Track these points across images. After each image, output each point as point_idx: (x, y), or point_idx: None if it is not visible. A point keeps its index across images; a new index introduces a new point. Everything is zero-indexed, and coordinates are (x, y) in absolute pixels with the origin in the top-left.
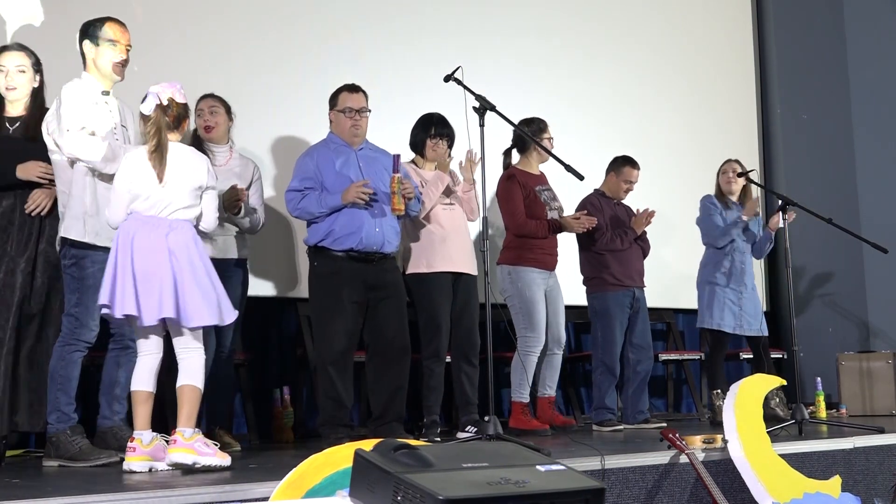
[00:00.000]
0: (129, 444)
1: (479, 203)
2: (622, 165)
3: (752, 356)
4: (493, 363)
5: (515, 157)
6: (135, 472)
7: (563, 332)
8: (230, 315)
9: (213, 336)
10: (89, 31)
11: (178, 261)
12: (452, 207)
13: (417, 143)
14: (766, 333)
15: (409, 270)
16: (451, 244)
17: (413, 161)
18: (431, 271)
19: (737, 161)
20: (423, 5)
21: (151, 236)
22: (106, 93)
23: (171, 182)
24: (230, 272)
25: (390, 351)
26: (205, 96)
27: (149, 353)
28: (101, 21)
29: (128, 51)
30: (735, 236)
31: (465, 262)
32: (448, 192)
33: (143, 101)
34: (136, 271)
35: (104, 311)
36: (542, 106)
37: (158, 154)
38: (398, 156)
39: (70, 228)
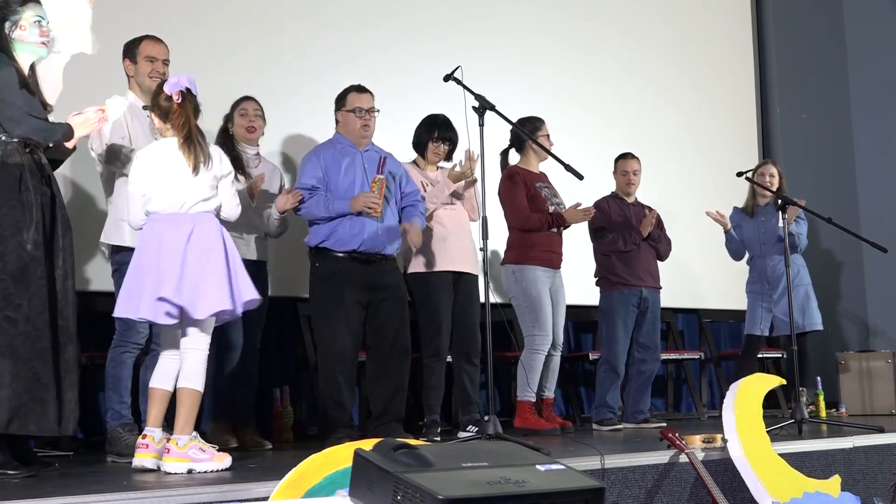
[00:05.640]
0: (140, 440)
1: (478, 203)
2: (617, 160)
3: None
4: (492, 363)
5: (514, 157)
6: (147, 469)
7: (562, 334)
8: (247, 301)
9: (241, 330)
10: (129, 49)
11: (196, 253)
12: (454, 207)
13: (420, 144)
14: (812, 329)
15: (410, 270)
16: (452, 244)
17: (415, 161)
18: (432, 270)
19: (772, 162)
20: (423, 5)
21: (177, 235)
22: (147, 107)
23: (192, 175)
24: (251, 273)
25: (391, 351)
26: (248, 98)
27: (172, 356)
28: (139, 39)
29: (165, 65)
30: (756, 248)
31: (466, 262)
32: (455, 193)
33: (155, 94)
34: (162, 271)
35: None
36: (542, 106)
37: (192, 142)
38: (385, 158)
39: (112, 234)
